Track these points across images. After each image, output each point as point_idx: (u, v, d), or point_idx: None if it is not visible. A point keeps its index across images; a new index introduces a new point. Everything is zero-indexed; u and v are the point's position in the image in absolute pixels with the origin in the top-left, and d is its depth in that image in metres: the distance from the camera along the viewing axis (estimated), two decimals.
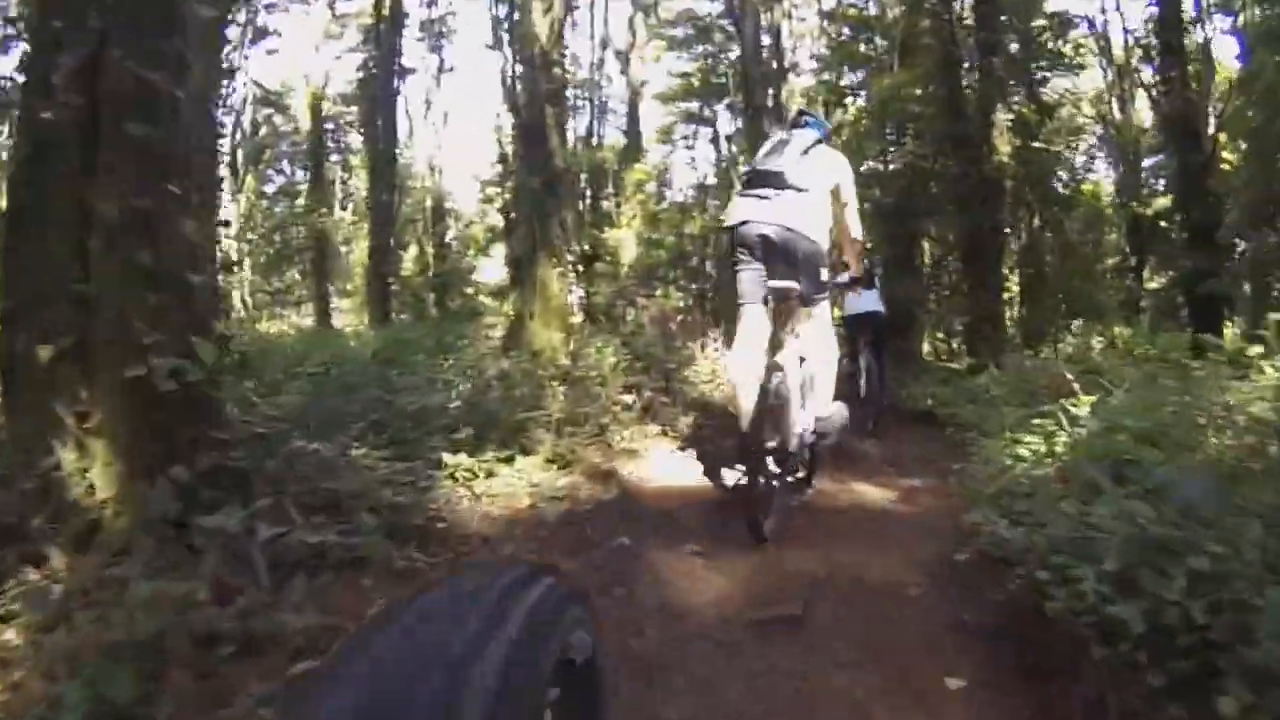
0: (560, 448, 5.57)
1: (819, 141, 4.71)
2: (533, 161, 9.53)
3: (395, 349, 8.38)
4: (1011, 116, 13.70)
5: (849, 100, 18.14)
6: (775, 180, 4.42)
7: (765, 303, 4.54)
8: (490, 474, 4.93)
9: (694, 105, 23.20)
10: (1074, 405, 4.73)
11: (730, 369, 4.85)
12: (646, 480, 5.57)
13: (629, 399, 6.97)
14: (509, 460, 5.18)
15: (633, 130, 22.89)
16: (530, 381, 6.77)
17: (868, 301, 8.87)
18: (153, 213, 3.24)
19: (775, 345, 4.64)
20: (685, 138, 23.74)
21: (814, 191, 4.47)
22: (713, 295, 16.14)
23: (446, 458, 4.74)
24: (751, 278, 4.51)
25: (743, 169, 5.35)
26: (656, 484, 5.51)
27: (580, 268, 12.17)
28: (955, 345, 16.48)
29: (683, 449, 6.46)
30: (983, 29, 13.43)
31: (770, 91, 16.71)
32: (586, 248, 13.44)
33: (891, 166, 15.32)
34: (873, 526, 4.82)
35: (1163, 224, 16.14)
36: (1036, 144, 14.36)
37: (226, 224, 21.39)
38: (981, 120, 13.15)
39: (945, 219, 14.93)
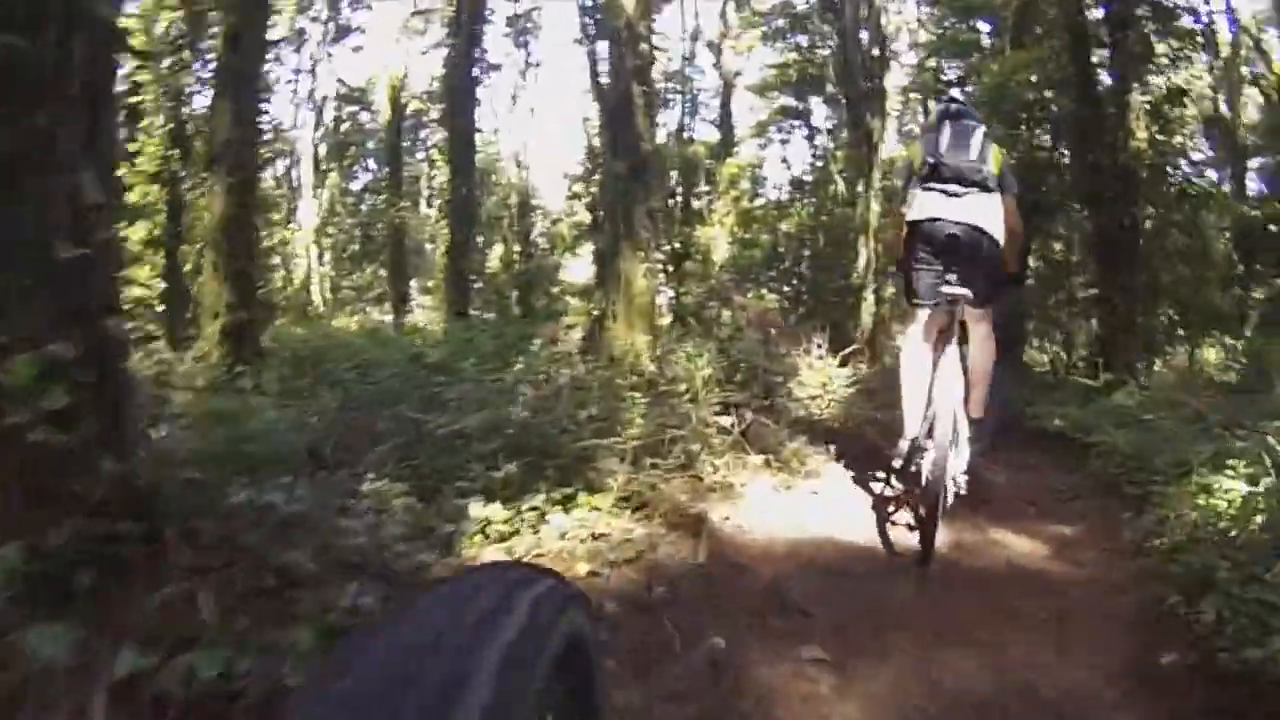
0: (636, 483, 4.34)
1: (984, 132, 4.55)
2: (619, 144, 8.37)
3: (452, 351, 7.20)
4: (1149, 99, 12.06)
5: (955, 90, 16.67)
6: (967, 175, 4.31)
7: (939, 305, 4.32)
8: (541, 522, 3.72)
9: (789, 100, 21.86)
10: None
11: (904, 372, 4.56)
12: (746, 531, 4.30)
13: (725, 420, 5.61)
14: (568, 501, 3.96)
15: (726, 124, 21.86)
16: (606, 393, 5.54)
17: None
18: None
19: (942, 347, 4.28)
20: (781, 131, 22.31)
21: (995, 188, 4.37)
22: (808, 298, 14.80)
23: (476, 508, 3.50)
24: (931, 277, 4.35)
25: (913, 160, 4.62)
26: (760, 537, 4.25)
27: (670, 266, 11.04)
28: (1074, 358, 14.69)
29: (790, 485, 5.17)
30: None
31: (870, 82, 15.29)
32: (677, 245, 12.25)
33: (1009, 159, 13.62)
34: (1034, 602, 3.72)
35: (1273, 228, 14.32)
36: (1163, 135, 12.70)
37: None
38: (1115, 102, 11.46)
39: (1070, 215, 13.31)
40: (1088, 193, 11.82)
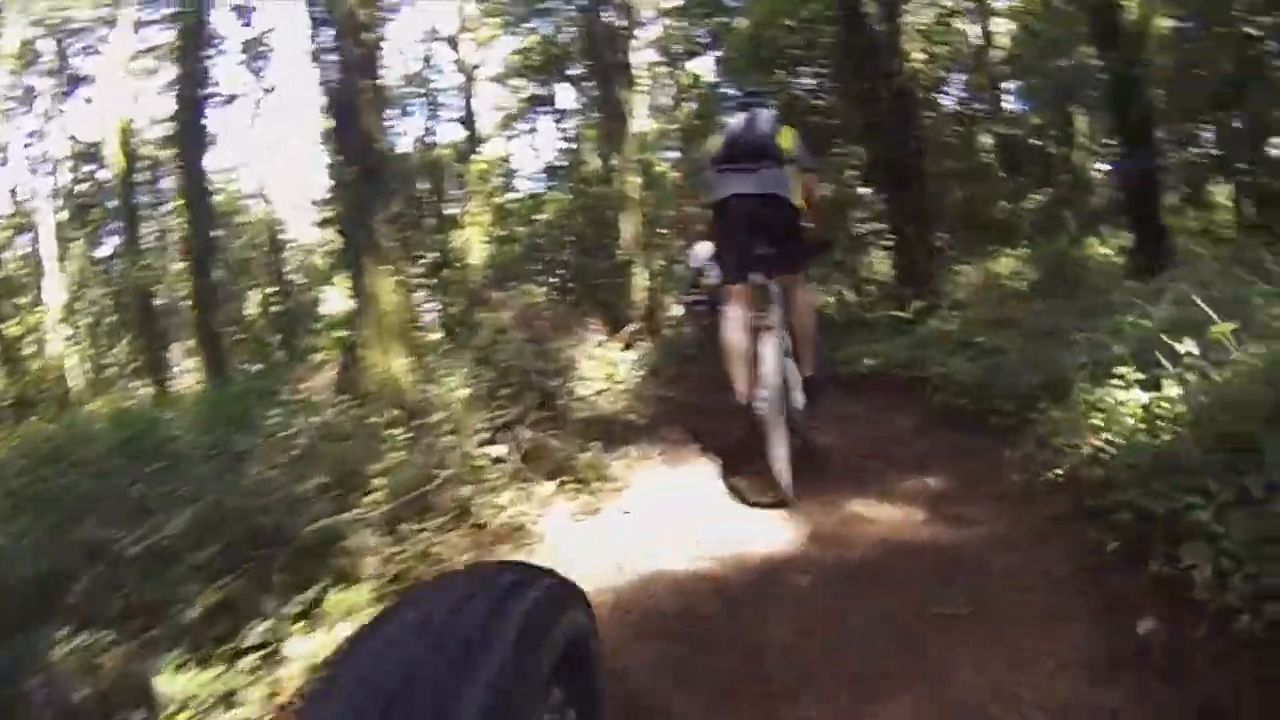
0: (401, 557, 3.44)
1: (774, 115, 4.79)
2: (347, 147, 7.28)
3: (182, 423, 5.98)
4: (921, 23, 12.08)
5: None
6: (758, 151, 4.50)
7: (751, 276, 4.48)
8: (264, 660, 2.73)
9: (536, 88, 21.07)
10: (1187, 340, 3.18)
11: (727, 346, 4.53)
12: None
13: (496, 449, 4.60)
14: (311, 610, 3.00)
15: (470, 121, 20.81)
16: (358, 439, 4.55)
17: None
18: None
19: (761, 315, 4.41)
20: (527, 120, 21.56)
21: (788, 161, 4.56)
22: (574, 284, 14.42)
23: (166, 678, 2.51)
24: (741, 252, 4.51)
25: (711, 150, 4.83)
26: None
27: (430, 278, 10.01)
28: (864, 296, 14.53)
29: (595, 508, 4.34)
30: None
31: (616, 55, 14.75)
32: (436, 254, 11.27)
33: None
34: (941, 589, 2.94)
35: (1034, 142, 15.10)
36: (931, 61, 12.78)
37: None
38: (888, 29, 11.26)
39: (850, 148, 12.98)
40: (866, 122, 11.47)
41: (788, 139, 4.65)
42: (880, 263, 13.11)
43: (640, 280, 13.00)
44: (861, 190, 12.86)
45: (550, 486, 4.48)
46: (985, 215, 13.85)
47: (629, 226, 13.18)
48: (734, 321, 4.48)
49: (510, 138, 21.46)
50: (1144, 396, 3.25)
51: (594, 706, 1.12)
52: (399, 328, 6.57)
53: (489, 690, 0.77)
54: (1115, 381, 3.46)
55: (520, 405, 5.23)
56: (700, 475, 4.84)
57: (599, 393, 6.35)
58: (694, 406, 6.38)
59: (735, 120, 4.74)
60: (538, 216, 15.78)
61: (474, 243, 14.68)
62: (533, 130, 21.25)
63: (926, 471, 4.31)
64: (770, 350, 4.24)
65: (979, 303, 7.99)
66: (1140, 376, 3.37)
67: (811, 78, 12.79)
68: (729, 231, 4.58)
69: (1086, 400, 3.54)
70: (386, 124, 9.46)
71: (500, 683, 0.80)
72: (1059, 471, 3.45)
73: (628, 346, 8.08)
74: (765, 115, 4.69)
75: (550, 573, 1.13)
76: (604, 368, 6.85)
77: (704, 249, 7.39)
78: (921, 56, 11.55)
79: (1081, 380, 3.73)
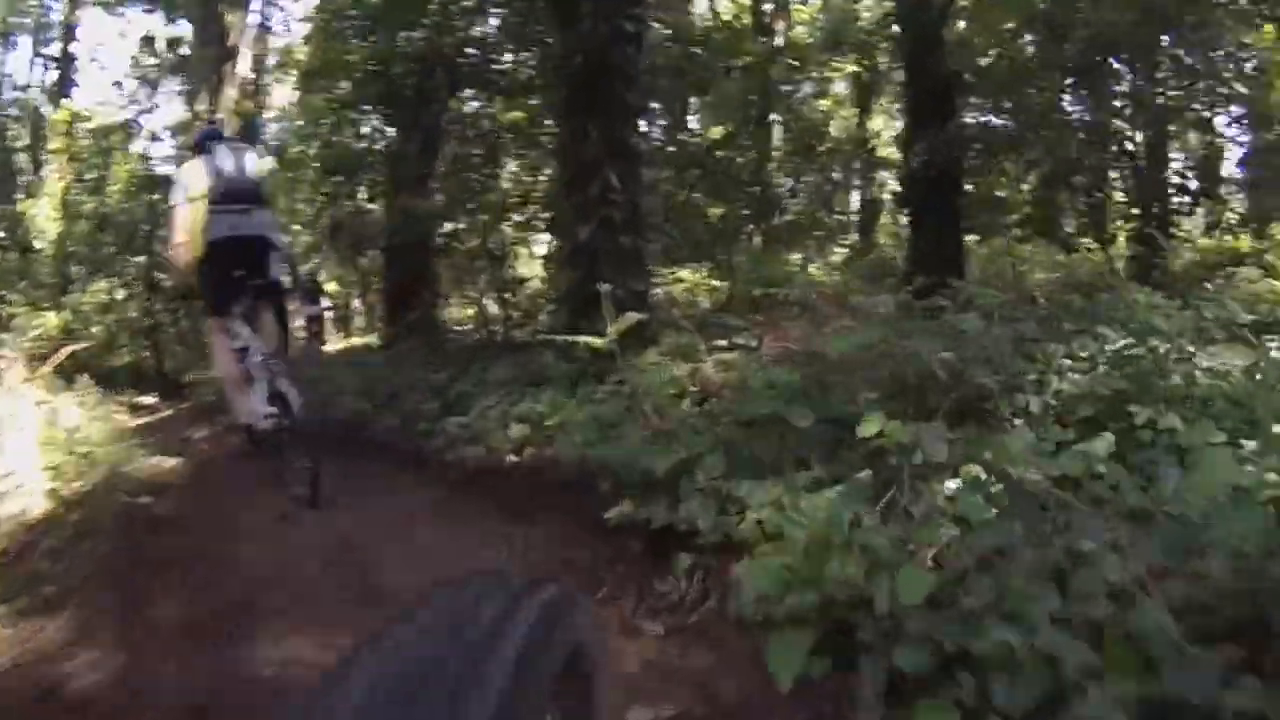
0: None
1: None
2: None
3: None
4: None
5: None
6: (249, 193, 4.65)
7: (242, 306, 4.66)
8: None
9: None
10: None
11: (223, 369, 4.81)
12: None
13: None
14: None
15: (65, 58, 17.00)
16: None
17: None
18: None
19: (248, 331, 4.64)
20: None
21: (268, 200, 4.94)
22: None
23: None
24: (233, 284, 4.62)
25: (190, 183, 4.57)
26: None
27: None
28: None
29: None
30: None
31: None
32: None
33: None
34: None
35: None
36: None
37: None
38: None
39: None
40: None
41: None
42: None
43: None
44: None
45: None
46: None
47: None
48: (226, 349, 4.70)
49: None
50: None
51: (592, 710, 1.07)
52: None
53: (498, 695, 0.73)
54: None
55: None
56: None
57: None
58: None
59: (217, 153, 4.72)
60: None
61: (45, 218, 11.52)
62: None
63: None
64: (259, 358, 4.53)
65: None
66: None
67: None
68: (220, 268, 4.62)
69: None
70: None
71: (509, 687, 0.75)
72: None
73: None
74: (250, 153, 4.89)
75: (554, 580, 1.07)
76: None
77: None
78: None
79: None
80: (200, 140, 4.87)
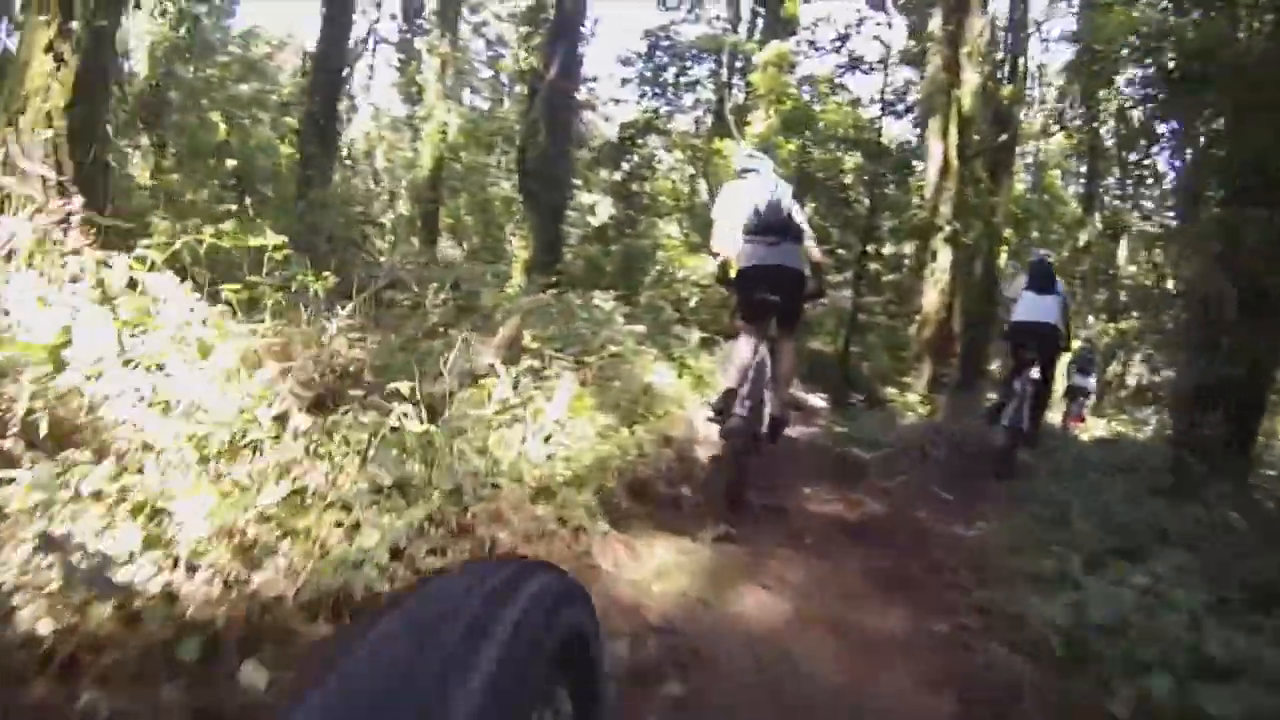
0: None
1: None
2: None
3: None
4: None
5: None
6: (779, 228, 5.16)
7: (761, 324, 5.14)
8: None
9: None
10: None
11: (727, 370, 5.17)
12: None
13: None
14: None
15: None
16: None
17: (1044, 309, 7.30)
18: None
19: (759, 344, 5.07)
20: None
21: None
22: None
23: None
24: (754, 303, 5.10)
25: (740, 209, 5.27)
26: None
27: None
28: None
29: None
30: None
31: None
32: None
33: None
34: None
35: None
36: None
37: None
38: None
39: None
40: None
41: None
42: None
43: None
44: None
45: None
46: None
47: None
48: (740, 344, 5.12)
49: None
50: None
51: (595, 706, 1.08)
52: None
53: (482, 690, 0.73)
54: None
55: None
56: None
57: None
58: None
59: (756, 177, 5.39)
60: None
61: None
62: None
63: None
64: (760, 368, 4.98)
65: None
66: None
67: None
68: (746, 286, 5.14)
69: None
70: None
71: (494, 682, 0.74)
72: None
73: None
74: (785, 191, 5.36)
75: (549, 568, 1.08)
76: None
77: None
78: None
79: None
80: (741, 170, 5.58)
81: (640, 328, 6.90)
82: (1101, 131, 17.09)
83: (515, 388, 4.38)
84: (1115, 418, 14.64)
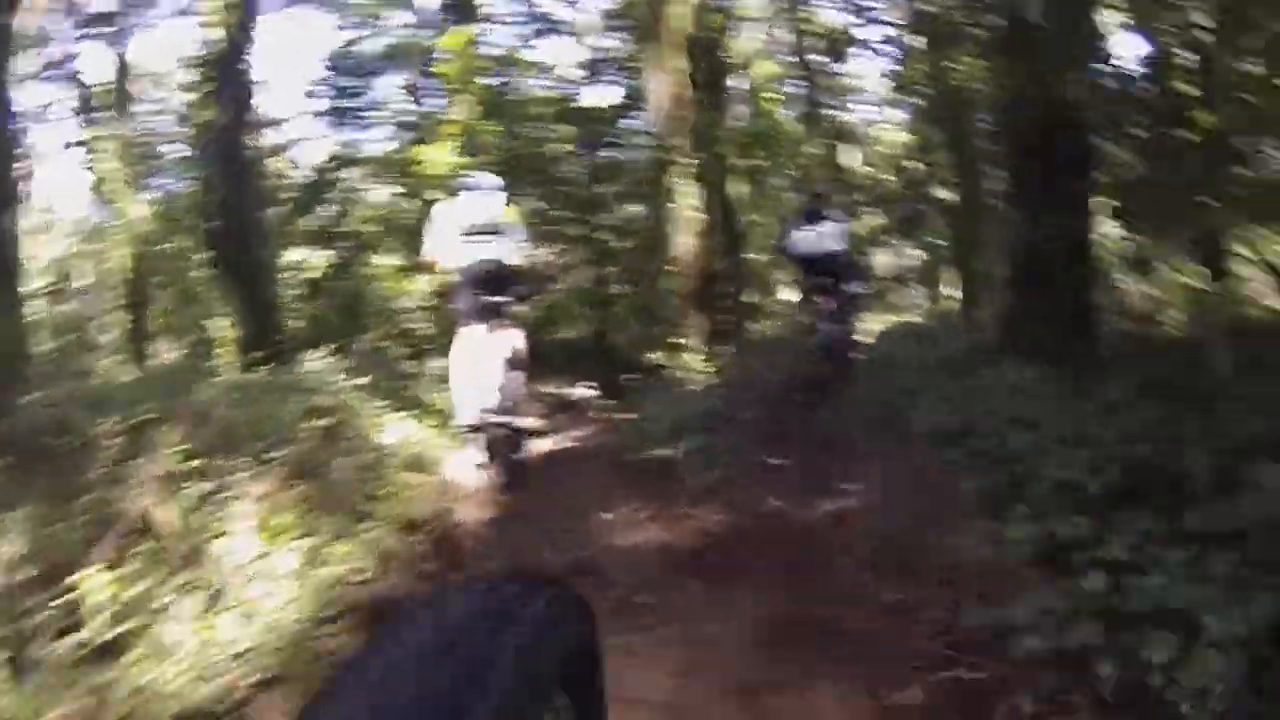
0: None
1: None
2: None
3: None
4: None
5: None
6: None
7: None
8: None
9: None
10: None
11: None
12: None
13: None
14: None
15: None
16: None
17: (823, 238, 7.89)
18: None
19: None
20: None
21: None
22: None
23: None
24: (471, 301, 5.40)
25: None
26: None
27: None
28: None
29: None
30: None
31: None
32: None
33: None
34: None
35: None
36: None
37: None
38: None
39: None
40: None
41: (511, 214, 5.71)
42: None
43: None
44: None
45: None
46: None
47: None
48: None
49: None
50: None
51: (595, 712, 1.02)
52: None
53: (497, 699, 0.71)
54: None
55: None
56: None
57: None
58: None
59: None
60: None
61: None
62: None
63: None
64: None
65: None
66: None
67: None
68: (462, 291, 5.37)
69: None
70: None
71: (507, 692, 0.73)
72: None
73: None
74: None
75: (556, 583, 1.00)
76: None
77: None
78: None
79: None
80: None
81: (362, 380, 6.10)
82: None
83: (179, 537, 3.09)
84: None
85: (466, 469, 5.06)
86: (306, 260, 16.26)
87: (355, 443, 4.83)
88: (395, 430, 5.68)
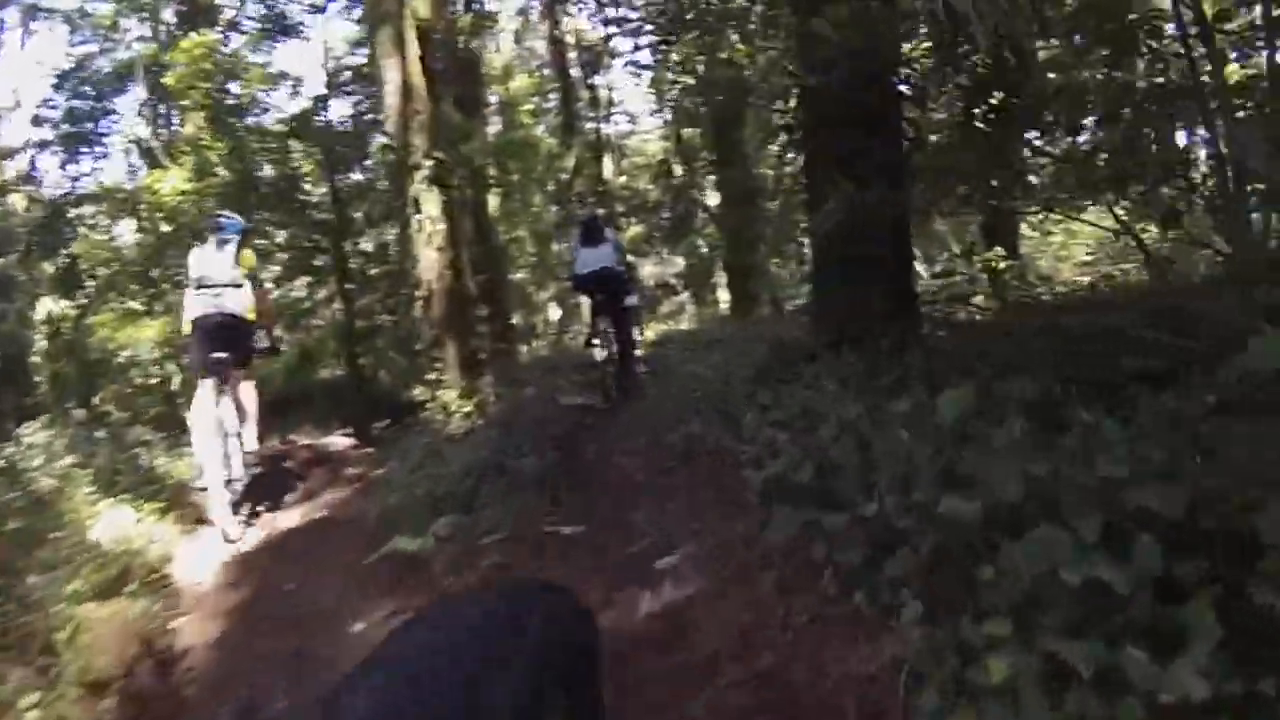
0: None
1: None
2: None
3: None
4: None
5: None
6: (220, 279, 5.43)
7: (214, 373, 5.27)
8: None
9: None
10: None
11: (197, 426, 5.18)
12: None
13: None
14: None
15: None
16: None
17: (603, 256, 7.86)
18: None
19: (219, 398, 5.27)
20: None
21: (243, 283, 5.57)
22: None
23: None
24: (203, 353, 5.32)
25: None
26: None
27: None
28: None
29: None
30: None
31: None
32: None
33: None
34: None
35: None
36: None
37: None
38: None
39: None
40: None
41: (248, 262, 5.66)
42: None
43: None
44: None
45: None
46: None
47: None
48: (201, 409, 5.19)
49: None
50: None
51: (595, 712, 1.12)
52: None
53: (512, 695, 0.78)
54: None
55: None
56: None
57: None
58: None
59: (205, 246, 5.80)
60: None
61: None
62: None
63: None
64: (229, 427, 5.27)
65: None
66: None
67: None
68: (199, 340, 5.40)
69: None
70: None
71: (519, 689, 0.80)
72: None
73: None
74: (229, 245, 5.64)
75: (562, 590, 1.14)
76: None
77: None
78: None
79: None
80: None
81: (69, 460, 5.58)
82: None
83: None
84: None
85: (202, 559, 4.77)
86: (51, 311, 13.97)
87: (69, 534, 4.07)
88: (112, 519, 4.71)
